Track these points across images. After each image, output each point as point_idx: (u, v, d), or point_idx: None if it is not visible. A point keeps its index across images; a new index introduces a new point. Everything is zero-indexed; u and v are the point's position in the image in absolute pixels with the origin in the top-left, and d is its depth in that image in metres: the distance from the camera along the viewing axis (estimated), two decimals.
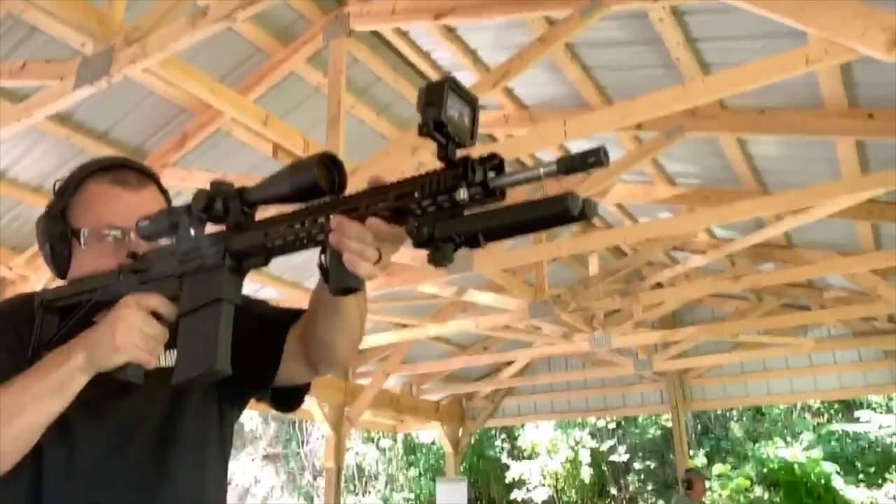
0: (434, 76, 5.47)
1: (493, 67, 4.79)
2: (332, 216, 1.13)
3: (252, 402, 1.60)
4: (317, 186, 1.15)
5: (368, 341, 8.08)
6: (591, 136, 5.02)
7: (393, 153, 4.77)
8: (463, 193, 1.01)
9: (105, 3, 3.73)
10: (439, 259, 1.01)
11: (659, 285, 8.38)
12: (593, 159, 0.93)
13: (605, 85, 5.21)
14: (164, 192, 1.60)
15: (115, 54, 3.56)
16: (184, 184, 5.29)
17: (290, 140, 4.63)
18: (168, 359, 1.44)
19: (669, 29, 4.30)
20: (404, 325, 8.37)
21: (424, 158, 4.67)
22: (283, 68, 5.05)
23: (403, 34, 5.16)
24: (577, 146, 6.01)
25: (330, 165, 1.17)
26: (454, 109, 1.01)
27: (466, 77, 5.33)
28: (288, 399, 1.55)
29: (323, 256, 1.15)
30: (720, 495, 15.07)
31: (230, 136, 5.46)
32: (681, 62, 4.57)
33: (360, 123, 5.69)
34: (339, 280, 1.12)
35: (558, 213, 0.94)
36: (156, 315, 1.28)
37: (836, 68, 4.20)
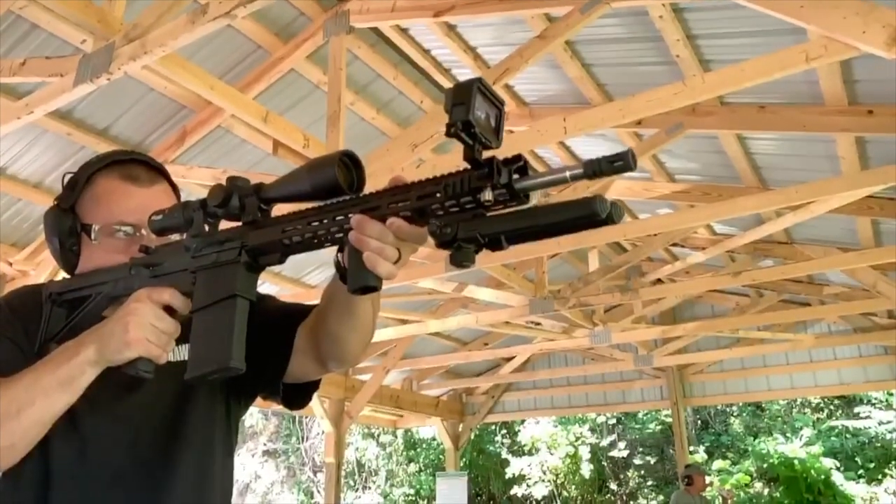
0: (434, 73, 5.48)
1: (493, 64, 4.79)
2: (351, 214, 1.12)
3: (259, 399, 1.60)
4: (336, 185, 1.14)
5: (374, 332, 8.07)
6: (591, 133, 5.03)
7: (393, 150, 4.76)
8: (488, 195, 0.99)
9: (105, 0, 3.74)
10: (461, 260, 1.01)
11: (659, 281, 8.39)
12: (620, 163, 0.92)
13: (605, 82, 5.21)
14: (174, 186, 1.60)
15: (116, 51, 3.56)
16: (184, 180, 5.28)
17: (290, 137, 4.63)
18: (178, 353, 1.42)
19: (669, 26, 4.30)
20: (405, 321, 8.38)
21: (424, 155, 4.67)
22: (284, 65, 5.05)
23: (403, 31, 5.16)
24: (576, 143, 6.02)
25: (349, 164, 1.16)
26: (481, 110, 0.99)
27: (466, 74, 5.33)
28: (296, 396, 1.53)
29: (340, 255, 1.15)
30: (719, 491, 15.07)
31: (230, 133, 5.47)
32: (681, 59, 4.57)
33: (360, 120, 5.70)
34: (359, 279, 1.11)
35: (585, 217, 0.93)
36: (168, 310, 1.28)
37: (836, 65, 4.20)
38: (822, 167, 5.48)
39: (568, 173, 0.96)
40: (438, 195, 1.04)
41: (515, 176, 1.00)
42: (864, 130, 4.71)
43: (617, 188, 6.58)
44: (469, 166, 1.02)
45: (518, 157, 1.01)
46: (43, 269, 5.93)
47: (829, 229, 6.69)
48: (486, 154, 1.02)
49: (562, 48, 4.75)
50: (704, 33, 4.40)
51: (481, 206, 1.01)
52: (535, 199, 1.01)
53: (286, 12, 4.83)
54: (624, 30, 4.58)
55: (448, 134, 0.99)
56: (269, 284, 7.50)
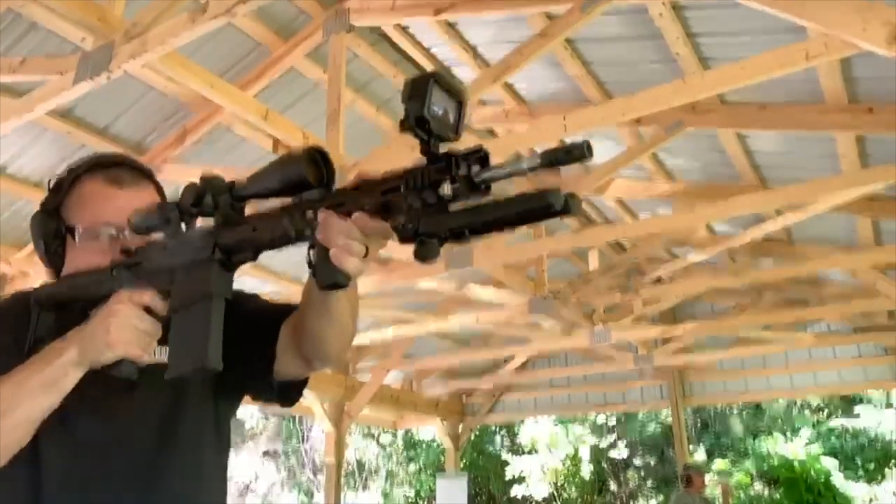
0: None
1: (493, 63, 4.79)
2: (319, 211, 1.13)
3: (253, 399, 1.60)
4: (305, 180, 1.15)
5: (368, 337, 8.09)
6: (590, 130, 5.03)
7: (393, 148, 4.77)
8: (447, 188, 1.00)
9: None
10: (425, 254, 1.01)
11: (659, 280, 8.38)
12: (577, 153, 0.94)
13: (605, 80, 5.21)
14: (159, 189, 1.61)
15: (115, 50, 3.56)
16: (184, 179, 5.28)
17: (290, 135, 4.63)
18: (164, 354, 1.42)
19: (669, 24, 4.30)
20: (404, 321, 8.37)
21: None
22: (284, 63, 5.06)
23: (403, 29, 5.16)
24: (576, 141, 6.01)
25: (318, 159, 1.17)
26: (438, 105, 1.00)
27: (466, 72, 5.33)
28: (287, 392, 1.54)
29: (311, 252, 1.15)
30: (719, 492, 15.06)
31: (230, 132, 5.47)
32: (681, 57, 4.57)
33: (360, 119, 5.70)
34: (326, 275, 1.11)
35: (541, 208, 0.95)
36: (149, 310, 1.29)
37: (836, 63, 4.20)
38: (822, 166, 5.48)
39: (525, 164, 0.97)
40: (401, 190, 1.05)
41: (475, 167, 1.01)
42: (864, 129, 4.71)
43: (617, 187, 6.58)
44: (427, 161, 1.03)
45: (478, 149, 1.02)
46: (42, 268, 5.92)
47: (829, 228, 6.68)
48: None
49: (562, 46, 4.75)
50: (704, 31, 4.40)
51: (442, 199, 1.01)
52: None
53: (286, 10, 4.84)
54: (624, 28, 4.58)
55: (402, 129, 1.00)
56: (271, 284, 7.49)
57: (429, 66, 5.44)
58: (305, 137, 4.64)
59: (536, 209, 0.95)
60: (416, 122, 0.98)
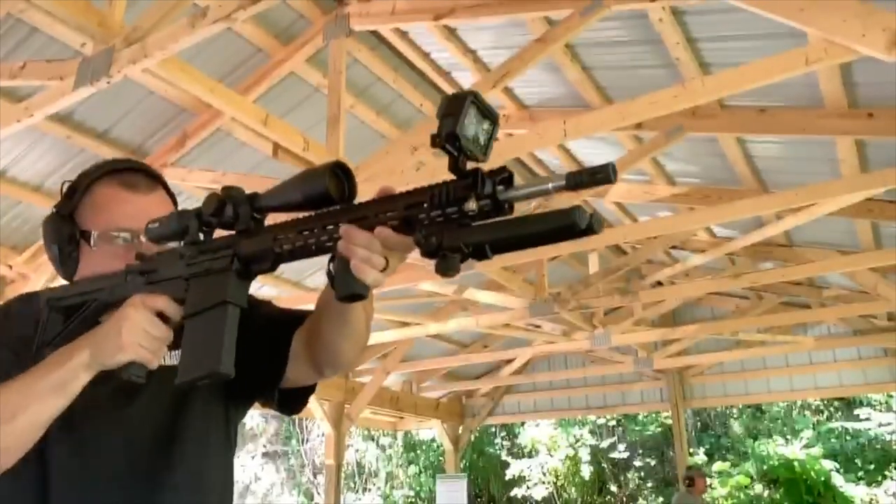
0: (434, 76, 5.48)
1: (493, 67, 4.79)
2: (340, 224, 1.14)
3: (262, 405, 1.61)
4: (327, 195, 1.16)
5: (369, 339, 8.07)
6: (590, 135, 5.02)
7: (393, 152, 4.77)
8: (472, 205, 1.01)
9: (105, 3, 3.74)
10: (446, 269, 1.02)
11: (659, 283, 8.38)
12: (601, 175, 0.94)
13: (605, 85, 5.21)
14: (170, 194, 1.62)
15: (115, 54, 3.56)
16: (184, 183, 5.30)
17: (290, 140, 4.63)
18: (174, 358, 1.43)
19: (669, 29, 4.29)
20: (405, 323, 8.38)
21: (424, 158, 4.67)
22: (284, 68, 5.06)
23: (403, 34, 5.15)
24: (576, 146, 6.02)
25: (340, 174, 1.18)
26: (471, 124, 1.01)
27: (466, 77, 5.33)
28: (292, 401, 1.55)
29: (331, 264, 1.16)
30: (719, 493, 15.06)
31: (230, 136, 5.46)
32: (680, 62, 4.56)
33: (360, 123, 5.69)
34: (346, 287, 1.12)
35: (565, 227, 0.95)
36: (161, 316, 1.29)
37: (836, 68, 4.19)
38: (822, 170, 5.47)
39: (551, 185, 0.99)
40: (425, 205, 1.06)
41: (500, 187, 1.02)
42: (863, 133, 4.70)
43: (617, 191, 6.58)
44: (454, 177, 1.04)
45: (503, 169, 1.03)
46: (42, 272, 5.93)
47: (828, 232, 6.68)
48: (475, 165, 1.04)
49: (562, 51, 4.75)
50: (704, 36, 4.40)
51: (466, 215, 1.02)
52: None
53: (286, 15, 4.83)
54: (624, 33, 4.58)
55: (433, 144, 1.01)
56: (269, 287, 7.49)
57: (428, 71, 5.44)
58: (305, 142, 4.64)
59: (561, 227, 0.96)
60: (448, 138, 0.99)
